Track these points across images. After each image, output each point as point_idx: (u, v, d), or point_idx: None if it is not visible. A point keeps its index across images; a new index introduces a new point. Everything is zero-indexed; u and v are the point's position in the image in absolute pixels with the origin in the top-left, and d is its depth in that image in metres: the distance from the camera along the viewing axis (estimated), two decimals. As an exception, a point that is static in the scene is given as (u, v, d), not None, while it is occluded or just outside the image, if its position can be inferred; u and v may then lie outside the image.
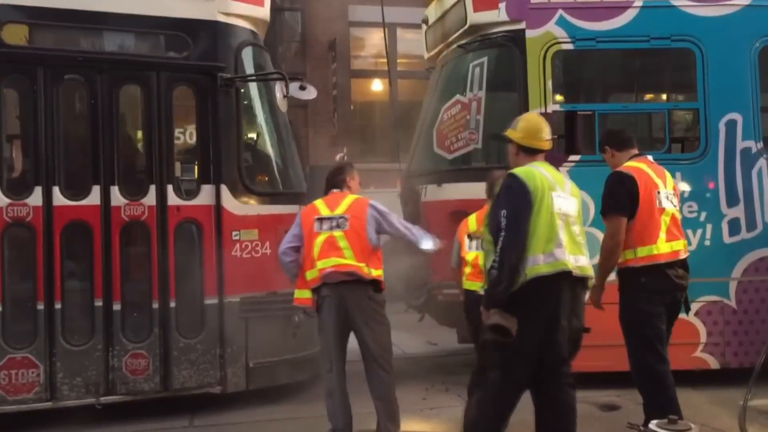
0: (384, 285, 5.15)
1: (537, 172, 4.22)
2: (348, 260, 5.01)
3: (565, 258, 4.07)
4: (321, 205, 5.21)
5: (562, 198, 4.21)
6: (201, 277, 6.13)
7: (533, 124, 4.47)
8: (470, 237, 5.68)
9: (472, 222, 5.74)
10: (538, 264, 4.04)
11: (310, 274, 5.13)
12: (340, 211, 5.12)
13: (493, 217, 4.17)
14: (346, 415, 5.13)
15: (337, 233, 5.06)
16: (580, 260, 4.19)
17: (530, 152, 4.40)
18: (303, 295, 5.33)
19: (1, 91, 5.86)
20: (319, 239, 5.08)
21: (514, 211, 4.06)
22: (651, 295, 4.82)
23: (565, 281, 4.09)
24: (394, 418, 5.14)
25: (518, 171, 4.22)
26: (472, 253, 5.60)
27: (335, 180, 5.37)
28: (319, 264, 5.06)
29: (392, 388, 5.17)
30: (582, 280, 4.23)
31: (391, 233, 5.22)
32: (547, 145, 4.45)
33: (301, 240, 5.21)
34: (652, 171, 5.01)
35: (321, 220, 5.12)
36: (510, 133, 4.49)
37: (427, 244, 5.31)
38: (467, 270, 5.66)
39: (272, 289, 6.35)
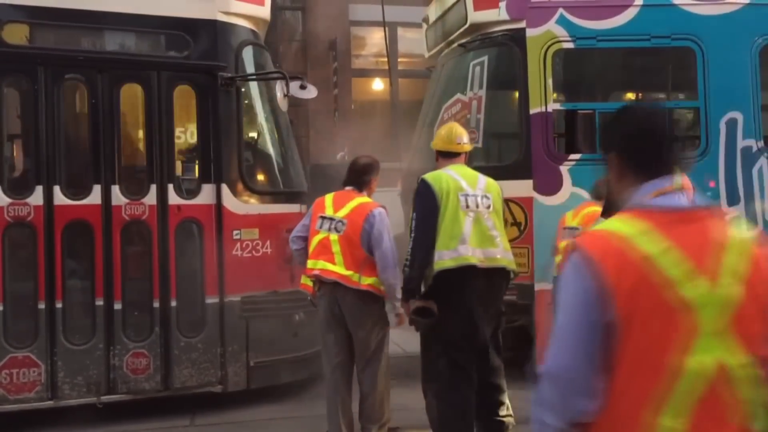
0: (379, 291, 4.98)
1: (445, 175, 4.66)
2: (336, 267, 4.93)
3: (468, 253, 4.50)
4: (329, 202, 5.11)
5: (471, 197, 4.62)
6: (202, 276, 6.14)
7: (447, 132, 4.98)
8: (566, 229, 5.78)
9: (569, 217, 5.84)
10: (443, 259, 4.49)
11: (308, 267, 5.14)
12: (342, 213, 5.02)
13: (411, 219, 4.67)
14: (345, 417, 5.10)
15: (333, 236, 4.98)
16: (491, 252, 4.58)
17: (447, 156, 4.87)
18: (308, 282, 5.28)
19: (1, 91, 5.87)
20: (317, 238, 5.04)
21: (422, 213, 4.56)
22: None
23: (478, 273, 4.50)
24: (375, 419, 5.10)
25: (427, 176, 4.69)
26: (563, 242, 5.63)
27: (360, 179, 5.16)
28: (309, 263, 5.06)
29: (376, 388, 5.08)
30: (499, 270, 4.65)
31: (372, 251, 4.94)
32: (459, 149, 4.88)
33: (308, 231, 5.17)
34: None
35: (323, 218, 5.05)
36: (432, 142, 5.08)
37: (393, 286, 4.89)
38: (557, 259, 5.72)
39: (273, 289, 6.35)
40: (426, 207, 4.55)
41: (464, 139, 4.92)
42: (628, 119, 1.96)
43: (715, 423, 1.69)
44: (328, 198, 5.16)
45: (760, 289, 1.75)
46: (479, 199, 4.63)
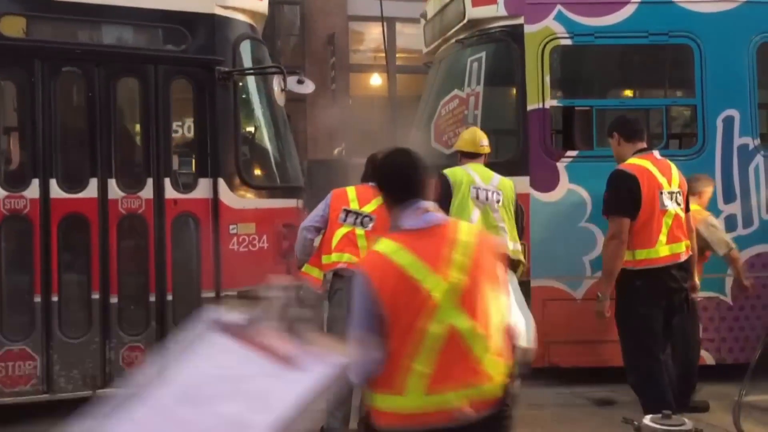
0: None
1: (460, 170, 5.41)
2: None
3: None
4: (353, 196, 5.11)
5: (483, 190, 5.29)
6: (198, 270, 6.13)
7: (471, 135, 5.70)
8: None
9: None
10: None
11: (326, 259, 5.11)
12: (368, 209, 5.02)
13: None
14: (345, 410, 5.09)
15: (359, 231, 4.99)
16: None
17: (469, 156, 5.59)
18: (312, 272, 5.24)
19: (-2, 84, 5.87)
20: (340, 231, 5.03)
21: (437, 200, 4.87)
22: (645, 298, 4.80)
23: None
24: None
25: (446, 170, 5.39)
26: None
27: None
28: (334, 256, 5.04)
29: None
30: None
31: None
32: (481, 150, 5.60)
33: (325, 223, 5.15)
34: (656, 169, 4.89)
35: (347, 212, 5.05)
36: (456, 143, 5.85)
37: None
38: None
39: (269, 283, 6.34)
40: (443, 194, 5.03)
41: (485, 143, 5.62)
42: (384, 164, 2.84)
43: (452, 365, 2.54)
44: (351, 191, 5.16)
45: (477, 277, 2.60)
46: (490, 193, 5.27)
